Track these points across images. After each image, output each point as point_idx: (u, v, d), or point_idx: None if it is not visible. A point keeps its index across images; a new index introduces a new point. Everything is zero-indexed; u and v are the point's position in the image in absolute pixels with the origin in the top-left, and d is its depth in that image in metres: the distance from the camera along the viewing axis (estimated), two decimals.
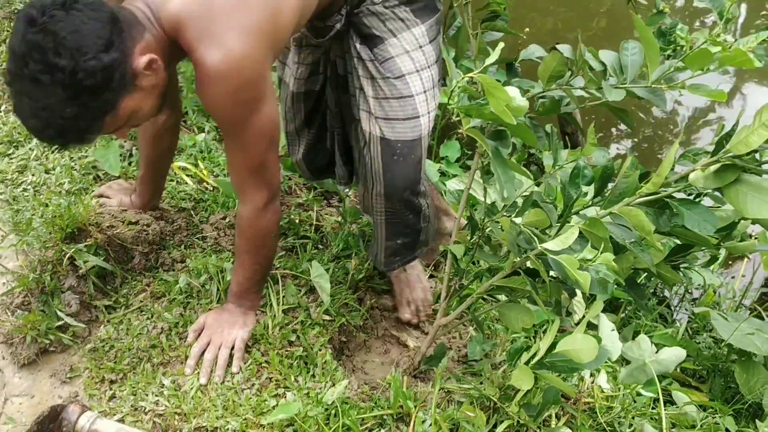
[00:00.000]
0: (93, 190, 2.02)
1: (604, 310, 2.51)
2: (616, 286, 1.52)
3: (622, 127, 4.15)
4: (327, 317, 1.74)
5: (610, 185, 1.40)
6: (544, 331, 2.22)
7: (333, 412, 1.48)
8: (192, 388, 1.53)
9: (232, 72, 1.29)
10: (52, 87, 1.16)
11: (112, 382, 1.56)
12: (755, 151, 1.12)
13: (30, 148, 2.10)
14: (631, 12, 1.28)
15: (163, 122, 1.72)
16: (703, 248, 1.46)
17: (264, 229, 1.53)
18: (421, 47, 1.56)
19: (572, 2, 5.25)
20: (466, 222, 1.75)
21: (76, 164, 2.10)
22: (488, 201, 1.50)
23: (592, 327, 2.06)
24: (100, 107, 1.22)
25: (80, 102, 1.19)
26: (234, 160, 1.48)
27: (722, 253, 2.55)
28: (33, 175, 2.02)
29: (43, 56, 1.14)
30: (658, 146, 4.27)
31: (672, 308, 2.74)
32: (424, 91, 1.59)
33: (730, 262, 3.01)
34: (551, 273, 1.33)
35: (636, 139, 4.16)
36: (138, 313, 1.70)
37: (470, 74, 1.26)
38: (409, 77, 1.56)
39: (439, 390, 1.58)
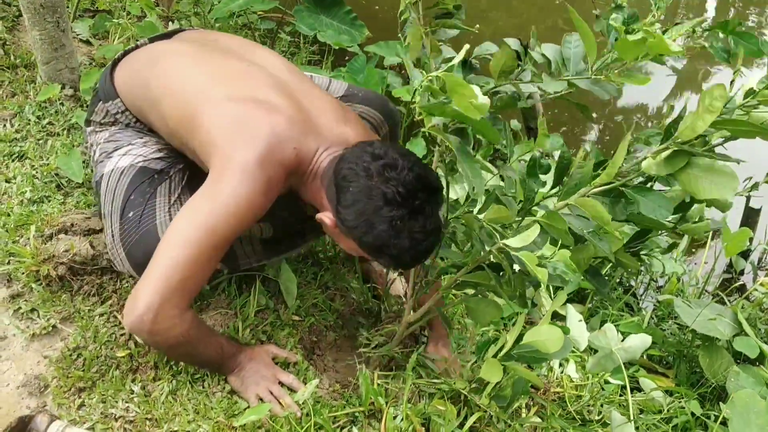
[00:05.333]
0: (55, 199, 2.00)
1: (571, 301, 2.56)
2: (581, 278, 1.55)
3: (585, 119, 4.22)
4: (297, 317, 1.75)
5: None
6: (513, 323, 2.25)
7: (305, 411, 1.49)
8: (162, 394, 1.53)
9: None
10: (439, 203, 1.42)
11: (80, 390, 1.54)
12: (703, 135, 1.15)
13: None
14: (568, 6, 1.29)
15: None
16: (660, 233, 1.50)
17: None
18: None
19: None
20: None
21: (37, 172, 2.08)
22: (448, 197, 1.52)
23: (560, 318, 2.10)
24: None
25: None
26: None
27: (683, 239, 2.61)
28: None
29: (429, 183, 1.40)
30: (622, 135, 4.35)
31: (638, 297, 2.79)
32: None
33: (693, 250, 3.08)
34: (515, 266, 1.36)
35: (599, 128, 4.24)
36: (105, 320, 1.69)
37: (434, 73, 1.27)
38: None
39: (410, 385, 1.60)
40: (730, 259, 2.81)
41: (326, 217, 1.44)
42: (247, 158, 1.37)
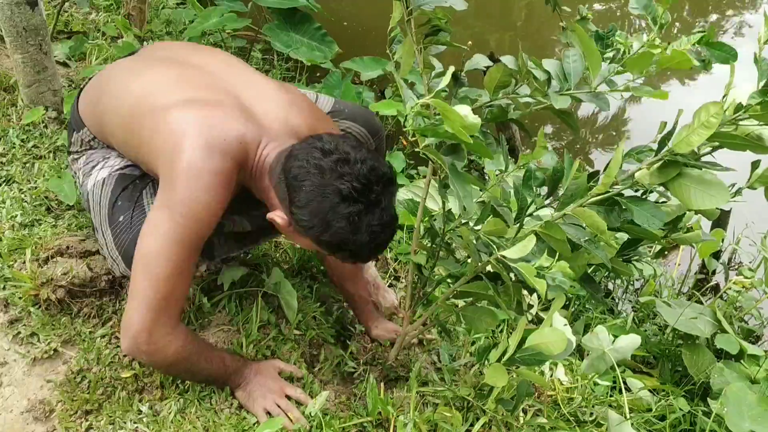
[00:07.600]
0: (46, 222, 2.00)
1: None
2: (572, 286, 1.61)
3: (559, 128, 4.33)
4: (298, 332, 1.77)
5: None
6: (501, 330, 2.31)
7: (315, 423, 1.52)
8: (170, 413, 1.54)
9: None
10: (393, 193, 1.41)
11: (87, 413, 1.55)
12: None
13: None
14: (575, 24, 1.36)
15: None
16: (651, 242, 1.56)
17: None
18: None
19: (488, 14, 5.46)
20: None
21: (26, 196, 2.07)
22: (444, 209, 1.56)
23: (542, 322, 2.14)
24: None
25: None
26: None
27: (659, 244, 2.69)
28: None
29: (383, 173, 1.37)
30: (592, 146, 4.48)
31: (616, 300, 2.88)
32: None
33: (666, 252, 3.18)
34: (512, 275, 1.40)
35: (568, 139, 4.35)
36: (107, 342, 1.69)
37: (423, 100, 1.30)
38: None
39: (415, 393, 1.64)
40: (703, 260, 2.91)
41: (278, 216, 1.42)
42: (190, 159, 1.36)
